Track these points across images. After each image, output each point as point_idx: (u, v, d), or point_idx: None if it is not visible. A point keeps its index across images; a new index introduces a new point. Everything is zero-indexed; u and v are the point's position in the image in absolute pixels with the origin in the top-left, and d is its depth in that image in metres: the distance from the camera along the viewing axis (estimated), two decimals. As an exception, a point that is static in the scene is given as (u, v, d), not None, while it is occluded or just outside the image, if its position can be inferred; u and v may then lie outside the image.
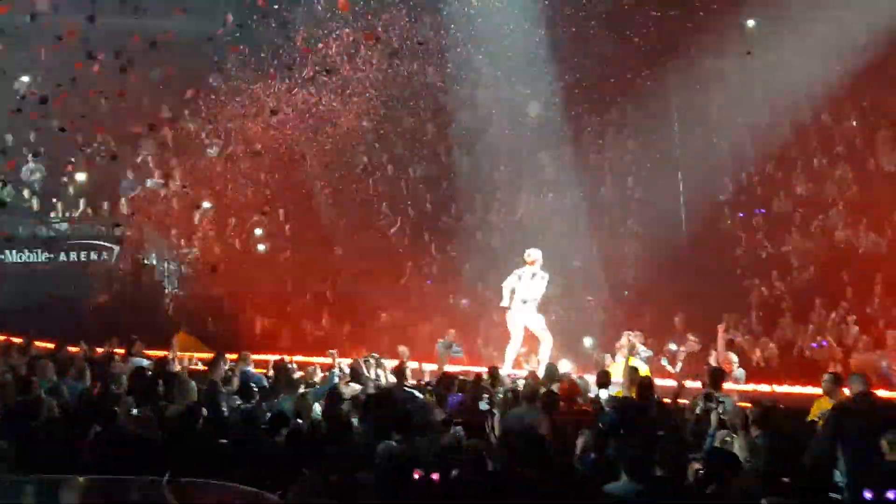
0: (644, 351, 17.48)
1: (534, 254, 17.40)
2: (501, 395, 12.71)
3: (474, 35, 24.35)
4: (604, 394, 12.66)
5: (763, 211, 23.74)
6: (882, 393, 12.48)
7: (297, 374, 15.41)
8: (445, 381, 13.70)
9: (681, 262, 22.70)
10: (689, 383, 13.73)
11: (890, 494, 7.62)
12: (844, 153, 24.04)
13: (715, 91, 24.17)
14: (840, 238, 21.58)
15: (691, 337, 18.38)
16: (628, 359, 15.74)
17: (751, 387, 15.28)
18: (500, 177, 25.76)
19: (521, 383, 13.74)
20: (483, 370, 14.87)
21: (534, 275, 17.21)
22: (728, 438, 10.12)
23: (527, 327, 17.38)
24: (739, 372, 15.97)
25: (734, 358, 16.31)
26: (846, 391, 10.86)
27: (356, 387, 13.83)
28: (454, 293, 23.57)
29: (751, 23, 25.62)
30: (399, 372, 14.25)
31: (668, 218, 23.71)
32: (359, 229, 24.71)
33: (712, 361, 15.91)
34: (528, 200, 25.27)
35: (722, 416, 10.77)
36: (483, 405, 12.42)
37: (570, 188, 24.71)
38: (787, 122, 24.31)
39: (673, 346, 18.22)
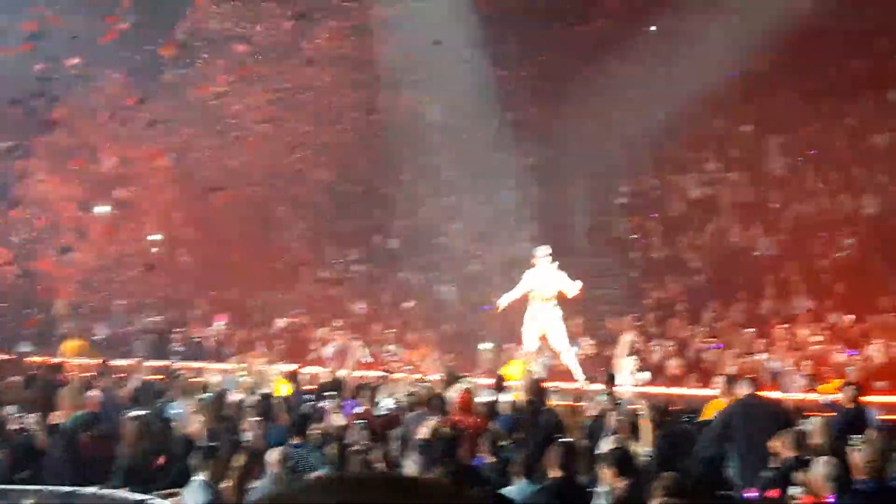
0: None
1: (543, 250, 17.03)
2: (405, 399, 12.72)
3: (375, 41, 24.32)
4: (502, 398, 12.74)
5: (656, 215, 24.14)
6: (772, 394, 12.77)
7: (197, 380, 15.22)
8: (342, 385, 13.65)
9: (577, 266, 22.91)
10: (589, 386, 13.89)
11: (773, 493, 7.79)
12: (738, 157, 24.65)
13: (613, 96, 24.49)
14: (734, 241, 22.01)
15: (588, 340, 18.64)
16: (522, 363, 15.92)
17: (647, 388, 15.51)
18: (403, 180, 25.76)
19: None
20: (379, 374, 14.83)
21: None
22: (624, 439, 10.25)
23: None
24: (642, 375, 16.22)
25: (635, 360, 16.57)
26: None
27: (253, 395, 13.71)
28: (352, 297, 23.47)
29: (653, 28, 26.12)
30: (292, 377, 14.20)
31: (565, 221, 23.96)
32: (256, 233, 24.44)
33: (615, 363, 16.15)
34: (429, 204, 25.32)
35: (618, 418, 10.92)
36: (383, 409, 12.45)
37: (471, 192, 24.85)
38: (682, 127, 24.75)
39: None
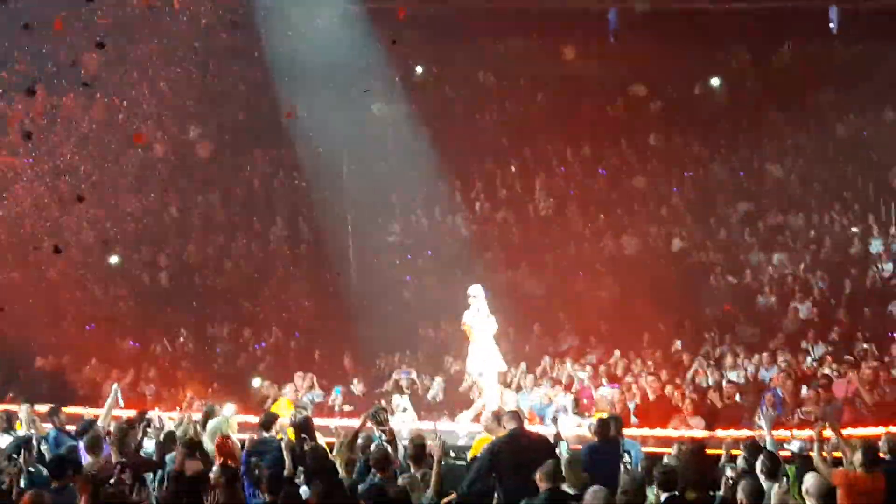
0: (318, 396, 17.77)
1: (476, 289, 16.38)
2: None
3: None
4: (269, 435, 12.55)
5: (430, 253, 24.47)
6: (532, 428, 13.02)
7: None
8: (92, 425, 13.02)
9: (350, 303, 23.02)
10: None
11: None
12: (506, 197, 25.35)
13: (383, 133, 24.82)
14: (501, 280, 22.48)
15: (357, 379, 18.74)
16: (288, 402, 15.81)
17: (416, 424, 15.60)
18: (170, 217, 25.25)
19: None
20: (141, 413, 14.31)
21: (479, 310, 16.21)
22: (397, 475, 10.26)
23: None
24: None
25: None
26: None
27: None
28: (120, 335, 22.72)
29: (419, 69, 26.66)
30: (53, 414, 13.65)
31: (337, 259, 24.03)
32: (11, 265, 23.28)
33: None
34: (199, 240, 24.93)
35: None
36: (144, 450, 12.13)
37: (245, 229, 24.67)
38: (453, 169, 25.27)
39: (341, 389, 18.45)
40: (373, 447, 11.05)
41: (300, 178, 25.38)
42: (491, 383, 16.09)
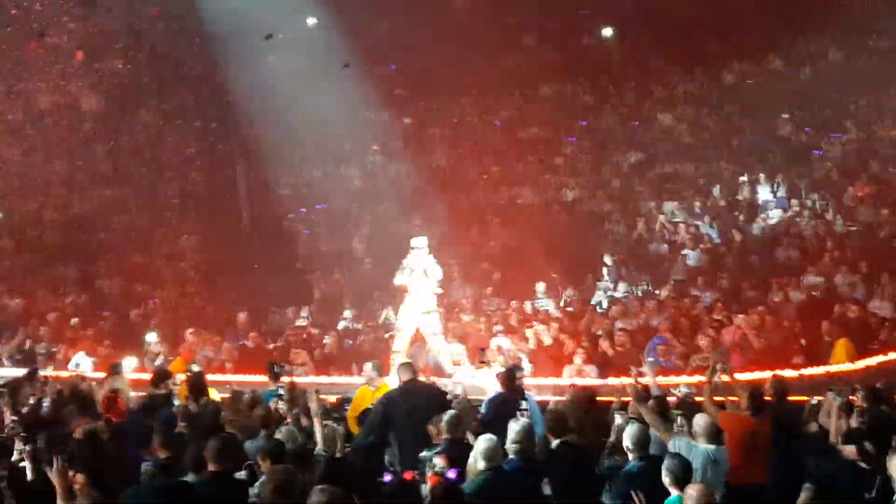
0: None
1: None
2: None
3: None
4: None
5: (324, 206, 24.34)
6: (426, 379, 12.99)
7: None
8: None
9: (243, 257, 22.80)
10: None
11: (451, 474, 7.95)
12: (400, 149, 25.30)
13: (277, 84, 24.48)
14: (393, 231, 22.41)
15: (252, 334, 18.53)
16: (180, 359, 15.62)
17: (310, 378, 15.50)
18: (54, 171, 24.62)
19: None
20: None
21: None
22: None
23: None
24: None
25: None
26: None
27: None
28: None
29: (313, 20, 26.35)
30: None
31: (228, 212, 23.75)
32: None
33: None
34: (82, 196, 24.37)
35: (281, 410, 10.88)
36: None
37: (128, 182, 24.16)
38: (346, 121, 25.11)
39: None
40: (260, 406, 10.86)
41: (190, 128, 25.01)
42: (405, 337, 15.75)
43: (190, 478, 8.03)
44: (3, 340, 18.22)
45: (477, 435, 8.83)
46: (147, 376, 13.35)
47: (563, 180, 24.68)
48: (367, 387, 11.90)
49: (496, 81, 26.58)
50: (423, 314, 15.35)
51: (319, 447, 8.96)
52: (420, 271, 15.29)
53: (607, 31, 27.97)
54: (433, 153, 25.46)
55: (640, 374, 10.92)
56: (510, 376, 11.42)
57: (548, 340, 17.25)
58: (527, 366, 15.17)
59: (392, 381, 11.87)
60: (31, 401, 12.06)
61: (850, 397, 10.56)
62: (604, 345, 16.66)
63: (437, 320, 15.71)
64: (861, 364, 15.13)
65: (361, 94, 25.02)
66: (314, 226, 23.69)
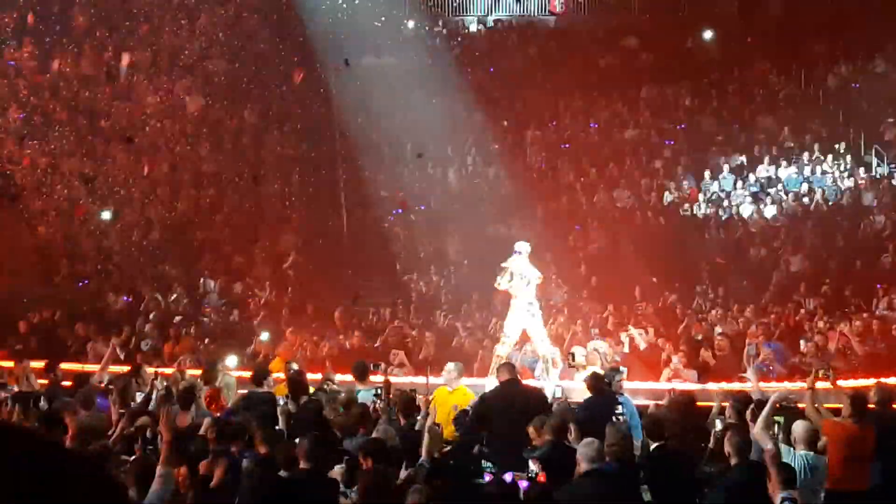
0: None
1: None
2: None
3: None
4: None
5: (424, 207, 24.47)
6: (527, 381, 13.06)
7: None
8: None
9: (342, 257, 23.06)
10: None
11: (507, 476, 7.98)
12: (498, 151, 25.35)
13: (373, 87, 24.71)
14: (491, 234, 22.47)
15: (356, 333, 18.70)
16: (278, 358, 15.84)
17: (409, 379, 15.59)
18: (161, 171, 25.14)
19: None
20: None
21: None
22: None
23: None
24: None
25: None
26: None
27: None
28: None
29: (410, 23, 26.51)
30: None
31: (328, 214, 24.05)
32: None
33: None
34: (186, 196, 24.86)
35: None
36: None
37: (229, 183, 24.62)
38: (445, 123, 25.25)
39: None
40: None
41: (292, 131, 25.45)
42: (509, 342, 15.75)
43: (283, 474, 8.19)
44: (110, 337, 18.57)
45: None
46: (248, 374, 13.59)
47: (662, 183, 24.50)
48: (445, 387, 11.88)
49: (595, 83, 26.51)
50: (529, 318, 15.37)
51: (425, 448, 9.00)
52: (521, 276, 15.32)
53: (708, 34, 27.69)
54: (531, 155, 25.45)
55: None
56: (596, 379, 11.40)
57: (643, 344, 17.17)
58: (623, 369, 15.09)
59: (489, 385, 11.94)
60: (139, 396, 12.34)
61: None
62: (705, 354, 16.52)
63: (541, 324, 15.68)
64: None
65: (460, 96, 25.17)
66: (412, 227, 23.80)
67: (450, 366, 12.29)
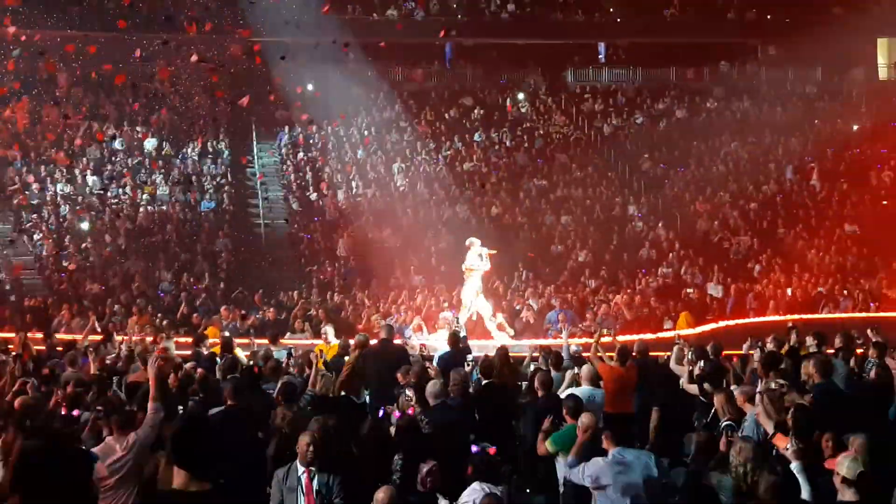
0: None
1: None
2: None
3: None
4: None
5: (318, 219, 24.03)
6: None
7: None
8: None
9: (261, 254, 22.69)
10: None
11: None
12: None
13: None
14: (372, 237, 22.15)
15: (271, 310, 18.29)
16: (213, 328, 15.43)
17: (309, 341, 15.23)
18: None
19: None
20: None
21: (479, 255, 15.48)
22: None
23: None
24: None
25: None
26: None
27: None
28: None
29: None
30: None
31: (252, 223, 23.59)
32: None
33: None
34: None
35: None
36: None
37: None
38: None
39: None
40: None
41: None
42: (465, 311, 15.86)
43: (213, 410, 7.96)
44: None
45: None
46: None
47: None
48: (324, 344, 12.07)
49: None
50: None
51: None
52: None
53: (521, 95, 28.25)
54: (395, 181, 25.25)
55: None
56: (455, 338, 11.38)
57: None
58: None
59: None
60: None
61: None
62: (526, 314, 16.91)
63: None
64: (698, 329, 15.57)
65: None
66: (312, 232, 23.38)
67: (328, 328, 12.67)
